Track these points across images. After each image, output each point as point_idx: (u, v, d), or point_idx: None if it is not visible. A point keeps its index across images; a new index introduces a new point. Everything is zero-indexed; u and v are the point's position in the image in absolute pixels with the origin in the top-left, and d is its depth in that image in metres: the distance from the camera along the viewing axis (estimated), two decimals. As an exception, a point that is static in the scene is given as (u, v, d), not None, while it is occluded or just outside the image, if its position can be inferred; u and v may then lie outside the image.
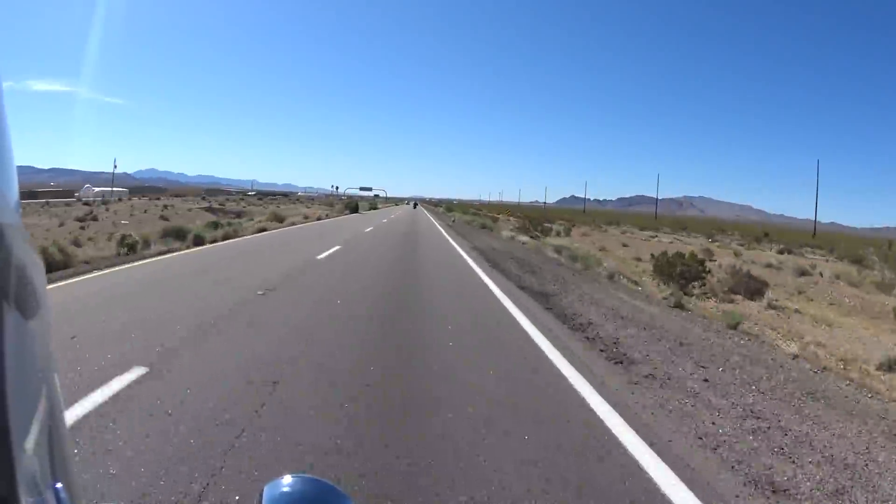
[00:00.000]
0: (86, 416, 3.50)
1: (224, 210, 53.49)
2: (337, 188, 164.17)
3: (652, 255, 15.26)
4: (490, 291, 9.31)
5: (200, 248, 14.66)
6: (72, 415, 3.48)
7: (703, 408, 4.62)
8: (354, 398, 4.11)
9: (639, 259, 22.85)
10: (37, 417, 0.49)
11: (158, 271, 10.07)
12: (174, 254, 13.09)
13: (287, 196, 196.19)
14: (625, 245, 30.06)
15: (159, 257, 12.31)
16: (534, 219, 40.91)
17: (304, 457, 3.15)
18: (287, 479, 0.81)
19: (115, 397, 3.84)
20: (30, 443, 0.46)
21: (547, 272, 12.72)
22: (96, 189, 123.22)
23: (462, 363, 5.14)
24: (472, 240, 23.37)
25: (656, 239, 42.55)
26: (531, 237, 31.14)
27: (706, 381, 5.44)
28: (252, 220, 32.49)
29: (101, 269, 9.85)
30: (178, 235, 15.60)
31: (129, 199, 64.32)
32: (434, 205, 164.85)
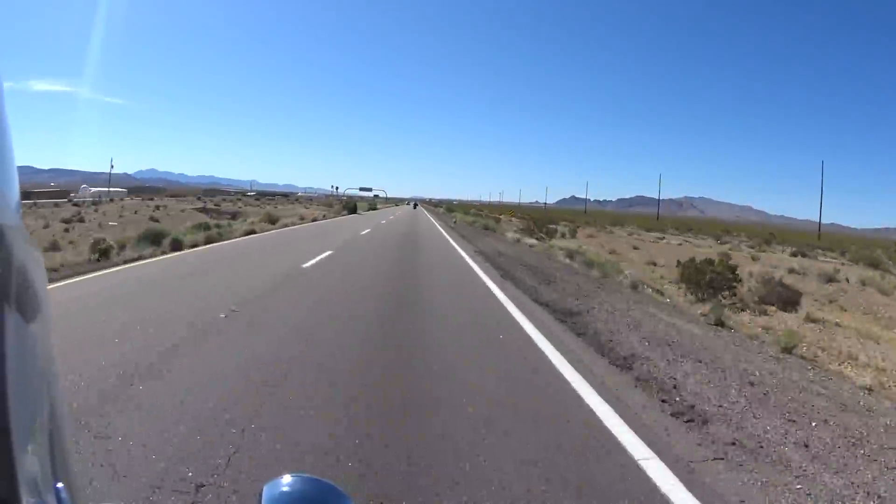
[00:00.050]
0: None
1: (219, 211, 52.00)
2: (337, 189, 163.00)
3: (678, 262, 13.86)
4: (506, 312, 7.75)
5: (178, 253, 13.23)
6: None
7: (823, 495, 3.23)
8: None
9: (654, 264, 21.46)
10: (38, 418, 0.50)
11: (117, 285, 8.63)
12: (146, 261, 11.67)
13: (287, 196, 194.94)
14: (635, 248, 28.62)
15: (127, 265, 10.91)
16: (538, 220, 39.47)
17: None
18: (287, 479, 0.80)
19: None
20: (31, 444, 0.46)
21: (564, 281, 11.30)
22: (93, 189, 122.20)
23: (486, 441, 3.50)
24: (476, 243, 21.93)
25: (664, 241, 41.14)
26: (536, 239, 29.74)
27: (805, 446, 4.03)
28: (246, 221, 31.09)
29: (59, 281, 8.45)
30: (155, 240, 14.15)
31: (122, 200, 62.78)
32: (434, 205, 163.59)
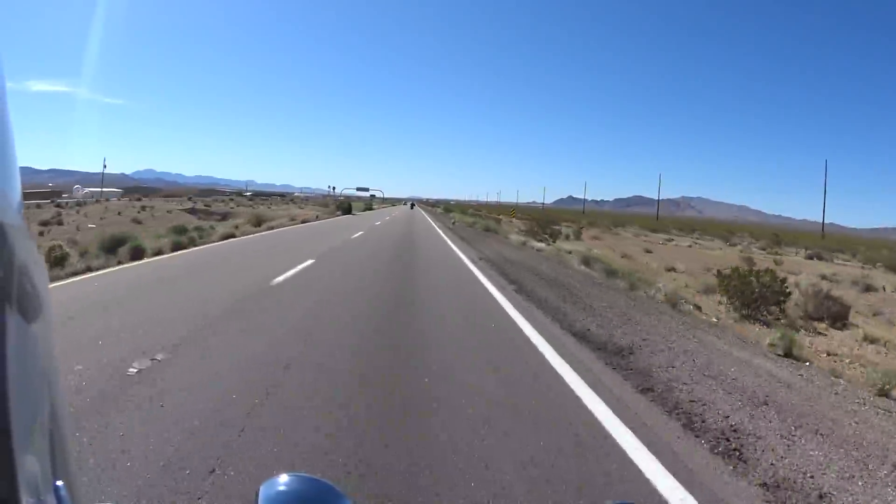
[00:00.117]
0: None
1: (208, 212, 49.95)
2: (333, 189, 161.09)
3: (718, 272, 12.01)
4: (537, 353, 5.70)
5: (134, 263, 11.30)
6: None
7: None
8: None
9: (672, 269, 19.61)
10: (39, 419, 0.49)
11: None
12: (92, 273, 9.77)
13: (283, 196, 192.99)
14: (648, 251, 26.74)
15: (71, 279, 9.04)
16: (541, 221, 37.60)
17: None
18: (283, 478, 0.79)
19: None
20: (31, 444, 0.46)
21: (590, 297, 9.44)
22: (86, 190, 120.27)
23: None
24: (479, 247, 20.04)
25: (673, 243, 39.33)
26: (539, 241, 27.88)
27: None
28: (233, 222, 29.14)
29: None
30: (111, 248, 12.24)
31: (107, 201, 60.61)
32: (431, 205, 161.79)
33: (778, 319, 11.94)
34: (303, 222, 31.82)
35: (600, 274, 13.60)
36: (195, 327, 5.80)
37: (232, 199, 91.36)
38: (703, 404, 4.61)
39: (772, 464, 3.50)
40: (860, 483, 3.49)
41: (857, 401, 5.49)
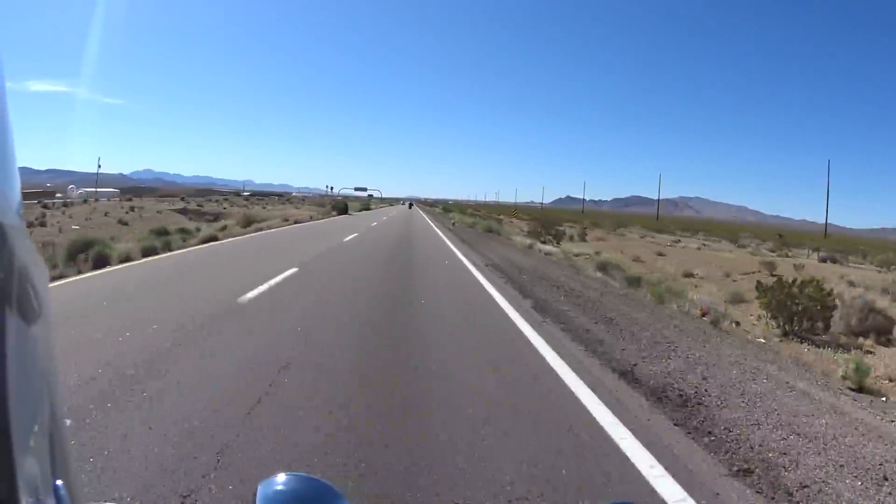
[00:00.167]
0: None
1: (200, 212, 48.44)
2: (332, 188, 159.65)
3: (758, 283, 10.65)
4: (577, 404, 4.28)
5: (97, 272, 9.92)
6: None
7: None
8: None
9: (691, 275, 18.29)
10: (38, 420, 0.49)
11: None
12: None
13: (281, 196, 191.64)
14: (660, 254, 25.39)
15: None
16: (545, 222, 36.26)
17: None
18: (281, 478, 0.79)
19: None
20: (31, 445, 0.46)
21: (620, 315, 8.10)
22: (80, 190, 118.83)
23: None
24: (484, 250, 18.69)
25: (681, 245, 38.02)
26: (544, 243, 26.55)
27: None
28: (226, 222, 27.72)
29: None
30: (72, 255, 10.87)
31: (95, 201, 59.03)
32: (429, 205, 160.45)
33: (817, 334, 10.65)
34: (295, 223, 30.35)
35: (621, 283, 12.26)
36: (132, 365, 4.42)
37: (227, 199, 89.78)
38: (819, 490, 3.28)
39: None
40: None
41: None
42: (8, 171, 0.51)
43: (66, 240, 19.04)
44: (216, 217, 40.43)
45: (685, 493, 3.01)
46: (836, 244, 53.37)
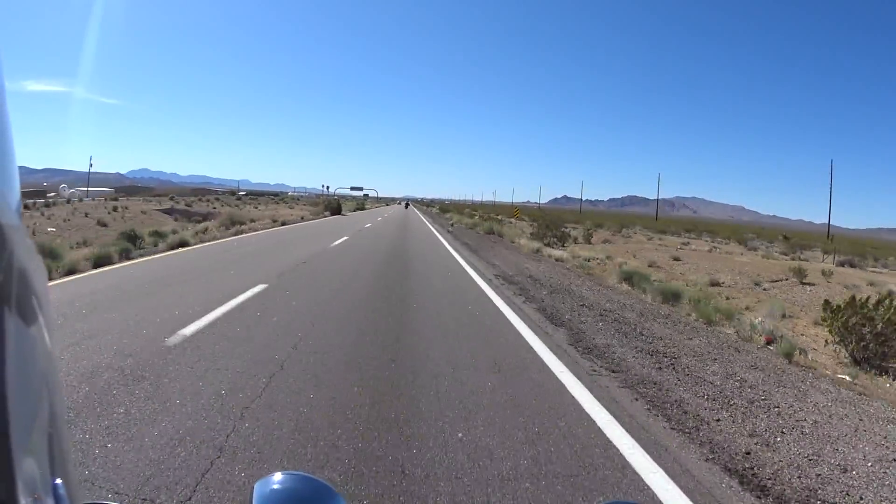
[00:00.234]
0: None
1: (188, 212, 46.48)
2: (327, 188, 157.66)
3: (827, 302, 8.90)
4: None
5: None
6: None
7: None
8: None
9: (717, 284, 16.55)
10: (38, 421, 0.49)
11: None
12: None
13: (275, 196, 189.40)
14: (676, 259, 23.64)
15: None
16: (548, 223, 34.48)
17: None
18: (278, 477, 0.78)
19: None
20: (30, 446, 0.46)
21: (674, 346, 6.36)
22: (72, 189, 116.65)
23: None
24: (488, 256, 16.92)
25: (691, 247, 36.33)
26: (546, 244, 24.82)
27: None
28: (214, 223, 25.89)
29: None
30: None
31: (79, 201, 56.84)
32: (426, 205, 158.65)
33: (885, 360, 8.94)
34: (283, 224, 28.47)
35: (653, 296, 10.51)
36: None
37: (218, 199, 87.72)
38: None
39: None
40: None
41: None
42: (7, 171, 0.50)
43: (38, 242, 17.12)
44: (205, 217, 38.56)
45: None
46: (845, 246, 51.76)
